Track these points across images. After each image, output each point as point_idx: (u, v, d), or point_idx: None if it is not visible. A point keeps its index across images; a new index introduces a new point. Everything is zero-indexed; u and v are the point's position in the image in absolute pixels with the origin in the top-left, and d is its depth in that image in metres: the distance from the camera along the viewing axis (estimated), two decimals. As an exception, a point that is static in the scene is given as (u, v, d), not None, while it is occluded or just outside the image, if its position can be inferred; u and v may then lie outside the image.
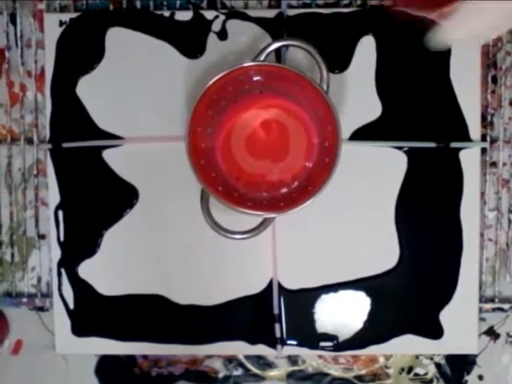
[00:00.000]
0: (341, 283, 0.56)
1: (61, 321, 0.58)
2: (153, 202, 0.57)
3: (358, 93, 0.56)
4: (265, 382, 0.59)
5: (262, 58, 0.52)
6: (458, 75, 0.56)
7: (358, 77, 0.56)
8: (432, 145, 0.56)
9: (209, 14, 0.57)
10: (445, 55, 0.55)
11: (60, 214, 0.57)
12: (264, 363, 0.59)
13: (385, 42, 0.56)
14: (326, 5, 0.57)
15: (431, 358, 0.58)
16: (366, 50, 0.56)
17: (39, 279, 0.59)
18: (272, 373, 0.59)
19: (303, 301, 0.57)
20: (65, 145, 0.57)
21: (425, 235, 0.57)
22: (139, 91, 0.57)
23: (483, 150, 0.57)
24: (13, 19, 0.58)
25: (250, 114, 0.54)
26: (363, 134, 0.56)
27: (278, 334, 0.57)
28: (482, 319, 0.58)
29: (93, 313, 0.58)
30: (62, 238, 0.57)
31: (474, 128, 0.56)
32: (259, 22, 0.56)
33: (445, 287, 0.56)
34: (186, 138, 0.50)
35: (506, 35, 0.57)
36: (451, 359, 0.58)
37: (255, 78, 0.51)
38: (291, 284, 0.57)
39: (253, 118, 0.54)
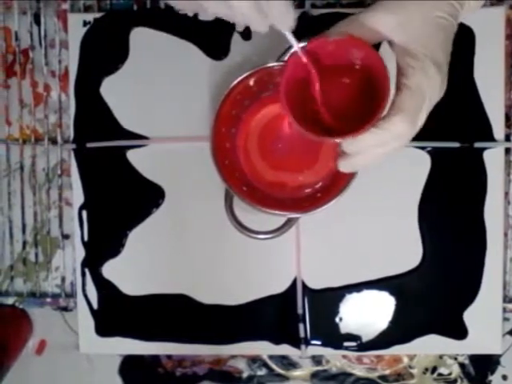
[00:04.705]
0: (364, 283, 0.57)
1: (85, 321, 0.58)
2: (178, 201, 0.57)
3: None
4: (289, 382, 0.59)
5: (286, 58, 0.51)
6: (481, 75, 0.56)
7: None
8: (456, 145, 0.56)
9: (233, 14, 0.57)
10: (469, 55, 0.56)
11: (84, 213, 0.57)
12: (288, 363, 0.59)
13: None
14: (350, 4, 0.57)
15: (455, 358, 0.58)
16: (389, 49, 0.56)
17: (63, 279, 0.59)
18: (296, 373, 0.59)
19: (327, 300, 0.57)
20: (89, 145, 0.57)
21: (448, 235, 0.57)
22: (163, 91, 0.57)
23: (507, 150, 0.57)
24: (37, 19, 0.58)
25: (261, 115, 0.53)
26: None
27: (302, 334, 0.57)
28: (505, 319, 0.57)
29: (117, 313, 0.58)
30: (86, 238, 0.58)
31: (498, 128, 0.56)
32: (283, 21, 0.56)
33: (468, 287, 0.56)
34: (210, 138, 0.49)
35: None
36: (475, 359, 0.58)
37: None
38: (315, 283, 0.57)
39: (264, 119, 0.53)
